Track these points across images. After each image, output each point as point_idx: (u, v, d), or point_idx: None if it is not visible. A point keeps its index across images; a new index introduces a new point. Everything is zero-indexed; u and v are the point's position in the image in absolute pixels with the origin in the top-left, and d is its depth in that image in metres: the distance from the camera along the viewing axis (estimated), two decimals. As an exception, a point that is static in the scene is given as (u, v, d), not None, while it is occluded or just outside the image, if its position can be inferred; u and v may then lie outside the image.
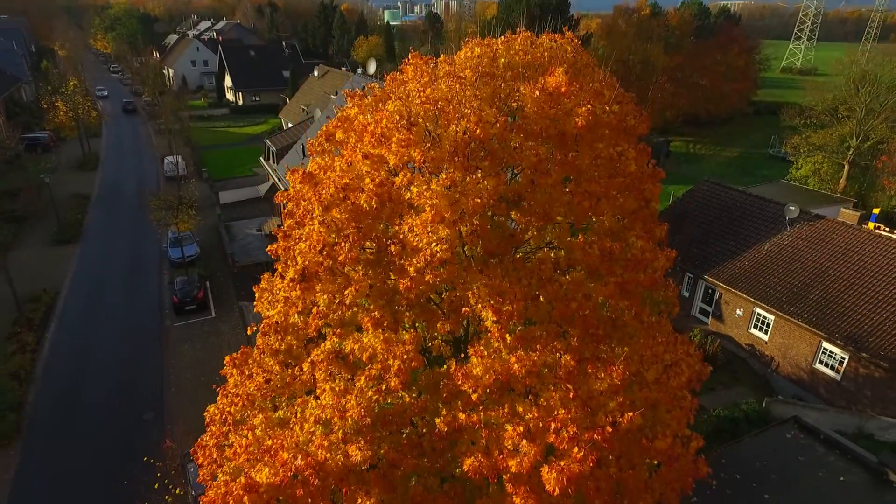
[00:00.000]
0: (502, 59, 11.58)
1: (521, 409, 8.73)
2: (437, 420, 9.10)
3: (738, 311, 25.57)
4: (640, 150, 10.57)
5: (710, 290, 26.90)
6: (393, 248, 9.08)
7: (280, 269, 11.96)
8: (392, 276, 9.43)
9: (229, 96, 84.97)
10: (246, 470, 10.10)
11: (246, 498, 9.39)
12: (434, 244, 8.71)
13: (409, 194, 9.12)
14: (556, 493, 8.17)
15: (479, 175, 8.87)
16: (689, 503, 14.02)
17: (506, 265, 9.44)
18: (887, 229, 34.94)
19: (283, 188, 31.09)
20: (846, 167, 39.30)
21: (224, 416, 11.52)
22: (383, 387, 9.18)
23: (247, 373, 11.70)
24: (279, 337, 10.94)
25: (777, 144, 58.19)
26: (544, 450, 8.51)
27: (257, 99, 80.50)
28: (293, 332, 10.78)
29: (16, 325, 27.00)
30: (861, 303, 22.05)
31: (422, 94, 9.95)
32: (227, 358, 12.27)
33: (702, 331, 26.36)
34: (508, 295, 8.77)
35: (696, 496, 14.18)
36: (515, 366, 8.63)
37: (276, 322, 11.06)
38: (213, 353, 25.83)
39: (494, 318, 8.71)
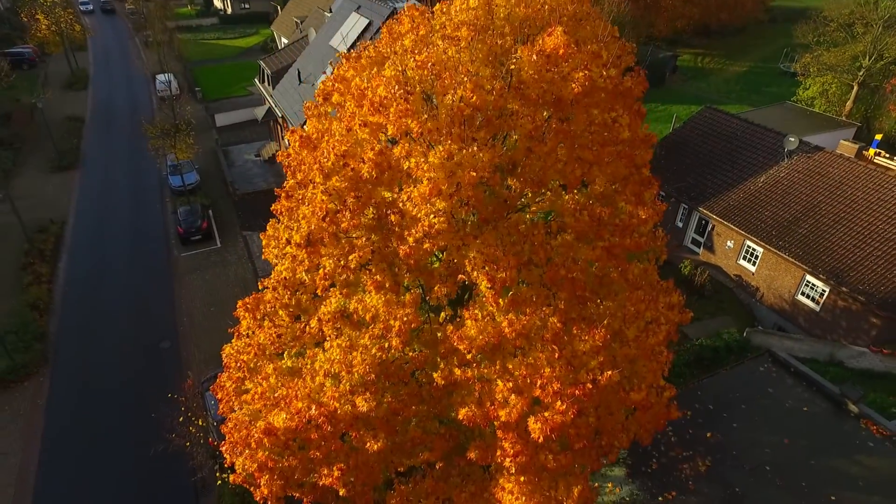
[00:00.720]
0: (501, 11, 11.36)
1: (510, 366, 9.60)
2: (435, 374, 10.01)
3: (728, 243, 26.27)
4: (634, 114, 10.68)
5: (703, 222, 27.44)
6: (393, 217, 9.52)
7: (284, 222, 12.45)
8: (392, 242, 9.95)
9: (217, 3, 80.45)
10: (263, 414, 11.22)
11: (266, 440, 10.57)
12: (432, 216, 9.15)
13: (407, 164, 9.42)
14: (540, 440, 9.23)
15: (475, 148, 9.12)
16: (663, 432, 15.45)
17: (500, 230, 9.93)
18: (888, 156, 34.89)
19: (279, 114, 30.67)
20: (855, 88, 38.35)
21: (239, 363, 12.49)
22: (386, 344, 10.01)
23: (258, 317, 12.53)
24: (288, 291, 11.65)
25: (787, 60, 56.08)
26: (531, 402, 9.47)
27: (247, 6, 76.36)
28: (301, 288, 11.47)
29: (28, 256, 27.81)
30: (847, 237, 22.68)
31: (417, 57, 9.91)
32: (240, 303, 13.02)
33: (692, 262, 27.22)
34: (502, 263, 9.34)
35: (671, 425, 15.60)
36: (507, 329, 9.39)
37: (285, 278, 11.69)
38: (221, 282, 26.90)
39: (489, 285, 9.35)
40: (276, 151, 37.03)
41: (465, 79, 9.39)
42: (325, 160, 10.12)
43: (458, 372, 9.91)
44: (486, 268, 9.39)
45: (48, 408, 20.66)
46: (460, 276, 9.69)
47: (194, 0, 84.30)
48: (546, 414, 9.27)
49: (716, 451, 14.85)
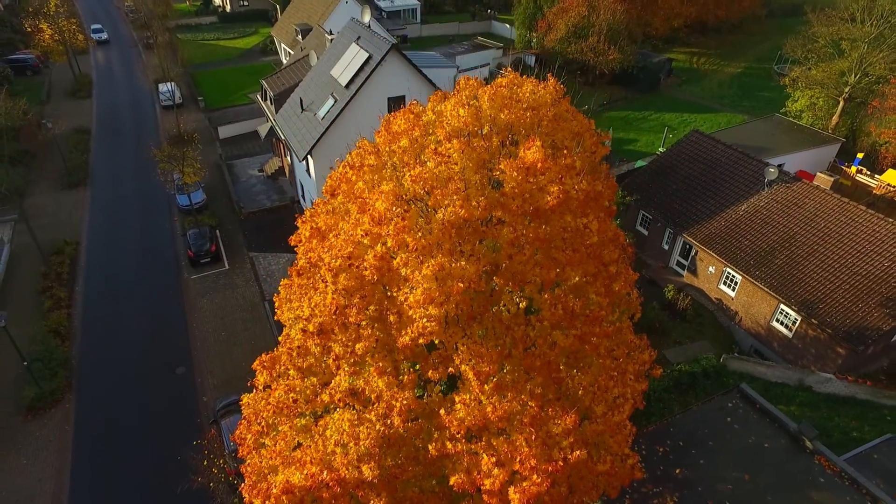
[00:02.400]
0: (487, 111, 12.70)
1: (494, 443, 11.20)
2: (430, 446, 11.61)
3: (710, 269, 27.78)
4: (605, 215, 12.11)
5: (687, 246, 28.90)
6: (392, 318, 11.03)
7: (297, 292, 13.92)
8: (393, 332, 11.46)
9: (217, 0, 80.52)
10: (280, 469, 12.86)
11: (284, 497, 12.23)
12: (425, 319, 10.65)
13: (404, 271, 10.88)
14: (519, 507, 10.87)
15: (463, 262, 10.57)
16: (637, 467, 17.13)
17: (485, 322, 11.44)
18: (869, 173, 36.27)
19: (282, 136, 31.83)
20: (841, 103, 39.45)
21: (259, 419, 14.08)
22: (388, 421, 11.58)
23: (274, 375, 14.12)
24: (302, 359, 13.19)
25: (781, 62, 56.87)
26: (511, 473, 11.08)
27: (246, 4, 76.55)
28: (312, 359, 13.01)
29: (46, 280, 29.31)
30: (819, 269, 24.18)
31: (412, 172, 11.30)
32: (257, 361, 14.65)
33: (676, 285, 28.75)
34: (486, 357, 10.88)
35: (644, 462, 17.30)
36: (491, 413, 10.96)
37: (299, 346, 13.23)
38: (231, 306, 28.44)
39: (474, 376, 10.90)
40: (279, 167, 38.35)
41: (455, 197, 10.80)
42: (334, 261, 11.58)
43: (449, 445, 11.50)
44: (473, 361, 10.93)
45: (76, 434, 22.35)
46: (450, 368, 11.23)
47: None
48: (524, 484, 10.90)
49: (683, 487, 16.57)
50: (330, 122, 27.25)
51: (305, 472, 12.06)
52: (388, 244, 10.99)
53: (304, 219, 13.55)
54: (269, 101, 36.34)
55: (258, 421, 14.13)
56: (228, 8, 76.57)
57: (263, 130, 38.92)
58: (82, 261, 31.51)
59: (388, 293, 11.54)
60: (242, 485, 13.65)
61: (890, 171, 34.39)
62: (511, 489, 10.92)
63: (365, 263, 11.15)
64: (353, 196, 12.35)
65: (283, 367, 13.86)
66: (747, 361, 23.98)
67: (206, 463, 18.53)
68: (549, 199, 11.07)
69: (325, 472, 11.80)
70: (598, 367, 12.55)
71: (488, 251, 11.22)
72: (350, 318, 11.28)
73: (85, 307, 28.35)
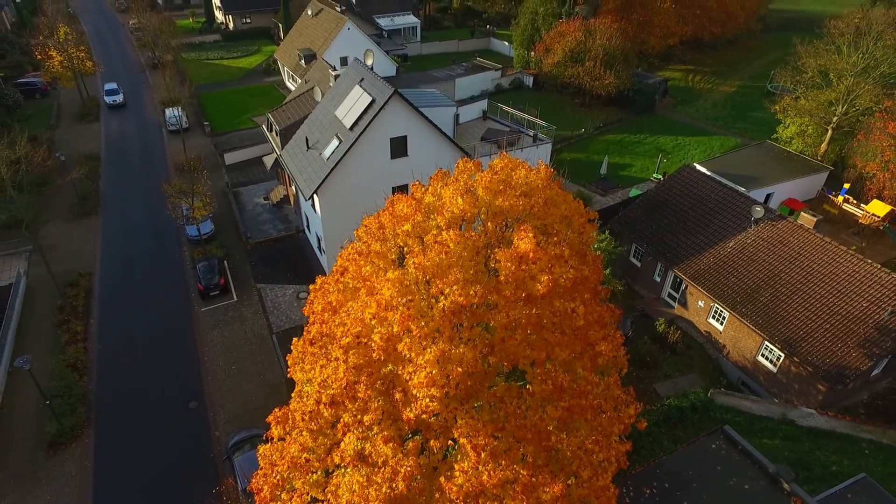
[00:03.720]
0: (483, 197, 13.92)
1: (490, 506, 12.42)
2: (432, 506, 12.83)
3: (699, 303, 28.99)
4: (588, 302, 13.33)
5: (678, 279, 30.11)
6: (398, 395, 12.26)
7: (309, 360, 15.14)
8: (398, 405, 12.68)
9: (218, 16, 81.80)
10: (296, 524, 14.07)
11: (300, 553, 13.45)
12: (427, 399, 11.87)
13: (408, 355, 12.10)
14: (513, 564, 12.09)
15: (462, 348, 11.79)
16: (625, 508, 18.35)
17: (481, 398, 12.67)
18: (855, 202, 37.49)
19: (288, 171, 33.03)
20: (829, 132, 40.64)
21: (275, 472, 15.28)
22: (394, 485, 12.79)
23: (287, 429, 15.33)
24: (314, 423, 14.39)
25: (774, 83, 58.06)
26: (506, 534, 12.30)
27: (248, 21, 77.85)
28: (325, 423, 14.22)
29: (62, 313, 30.54)
30: (802, 308, 25.38)
31: (415, 260, 12.52)
32: (271, 417, 15.85)
33: (666, 318, 29.95)
34: (482, 432, 12.10)
35: (631, 503, 18.51)
36: (486, 480, 12.18)
37: (311, 411, 14.44)
38: (240, 339, 29.66)
39: (471, 448, 12.11)
40: (284, 195, 39.56)
41: (455, 287, 12.02)
42: (344, 339, 12.81)
43: (449, 507, 12.72)
44: (470, 434, 12.15)
45: (96, 468, 23.56)
46: (449, 441, 12.45)
47: (195, 13, 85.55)
48: (517, 545, 12.11)
49: (667, 528, 17.78)
50: (335, 163, 28.47)
51: (319, 528, 13.28)
52: (395, 330, 12.20)
53: (315, 291, 14.75)
54: (274, 133, 37.57)
55: (273, 473, 15.34)
56: (231, 25, 77.84)
57: (269, 161, 40.16)
58: (96, 292, 32.72)
59: (394, 371, 12.76)
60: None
61: (875, 201, 35.59)
62: (505, 549, 12.14)
63: (373, 344, 12.37)
64: (360, 278, 13.58)
65: (295, 425, 15.07)
66: (733, 396, 25.17)
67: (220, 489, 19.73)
68: (539, 287, 12.29)
69: (337, 531, 13.01)
70: (586, 430, 13.77)
71: (483, 333, 12.44)
72: (359, 394, 12.50)
73: (100, 341, 29.56)
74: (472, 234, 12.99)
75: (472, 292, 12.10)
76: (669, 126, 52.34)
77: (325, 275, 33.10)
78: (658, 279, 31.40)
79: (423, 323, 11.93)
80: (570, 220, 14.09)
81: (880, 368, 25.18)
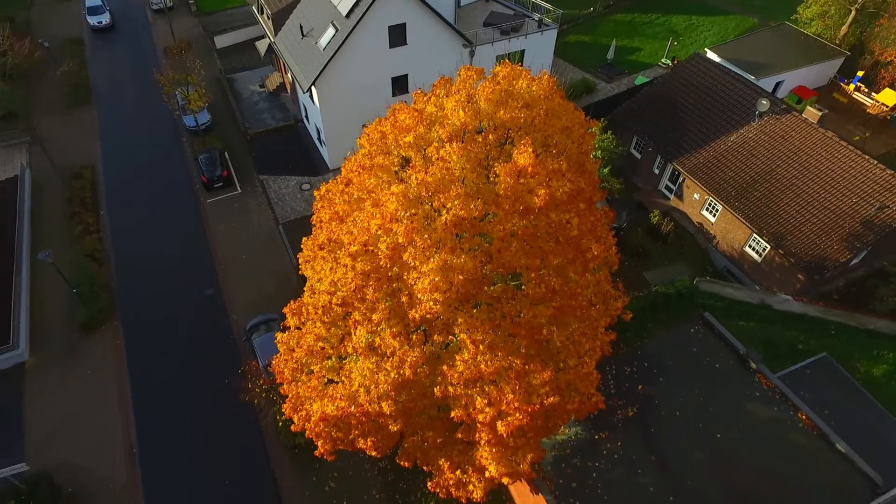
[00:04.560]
0: (485, 109, 14.09)
1: (487, 389, 14.17)
2: (436, 389, 14.62)
3: (695, 196, 29.67)
4: (583, 213, 14.00)
5: (676, 173, 30.49)
6: (404, 299, 13.45)
7: (319, 260, 16.24)
8: (404, 307, 13.96)
9: None
10: (315, 399, 16.07)
11: (321, 423, 15.55)
12: (431, 303, 13.08)
13: (413, 263, 13.09)
14: (505, 435, 14.11)
15: (463, 258, 12.74)
16: (607, 385, 20.58)
17: (479, 298, 13.89)
18: (867, 91, 36.64)
19: (282, 58, 31.93)
20: (853, 12, 38.43)
21: (295, 358, 17.00)
22: (401, 371, 14.46)
23: (302, 319, 16.90)
24: (327, 316, 15.82)
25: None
26: (499, 412, 14.17)
27: None
28: (337, 317, 15.65)
29: (71, 205, 31.30)
30: (793, 203, 26.12)
31: (417, 176, 13.05)
32: (286, 308, 17.37)
33: (662, 208, 30.77)
34: (480, 329, 13.48)
35: (613, 380, 20.74)
36: (484, 369, 13.79)
37: (324, 306, 15.80)
38: (247, 230, 30.75)
39: (470, 343, 13.57)
40: (280, 83, 38.51)
41: (457, 202, 12.69)
42: (352, 247, 13.74)
43: (451, 389, 14.50)
44: (469, 331, 13.54)
45: (127, 347, 25.83)
46: (450, 336, 13.86)
47: None
48: (509, 419, 14.02)
49: (643, 401, 20.13)
50: (332, 53, 27.52)
51: (336, 405, 15.23)
52: (400, 240, 13.05)
53: (321, 198, 15.38)
54: (265, 16, 35.61)
55: (293, 358, 17.13)
56: None
57: (262, 47, 38.43)
58: (101, 185, 33.23)
59: (400, 275, 13.83)
60: (283, 404, 17.08)
61: (887, 90, 34.73)
62: (499, 423, 14.08)
63: (379, 252, 13.31)
64: (365, 190, 14.15)
65: (309, 317, 16.55)
66: (717, 283, 26.80)
67: (249, 386, 22.04)
68: (536, 200, 12.93)
69: (353, 406, 14.94)
70: (575, 324, 15.21)
71: (482, 243, 13.32)
72: (368, 296, 13.70)
73: (113, 233, 30.66)
74: (473, 145, 13.33)
75: (472, 206, 12.76)
76: (683, 4, 49.00)
77: (327, 166, 33.47)
78: (657, 171, 31.75)
79: (426, 235, 12.75)
80: (570, 130, 14.32)
81: (859, 259, 26.53)
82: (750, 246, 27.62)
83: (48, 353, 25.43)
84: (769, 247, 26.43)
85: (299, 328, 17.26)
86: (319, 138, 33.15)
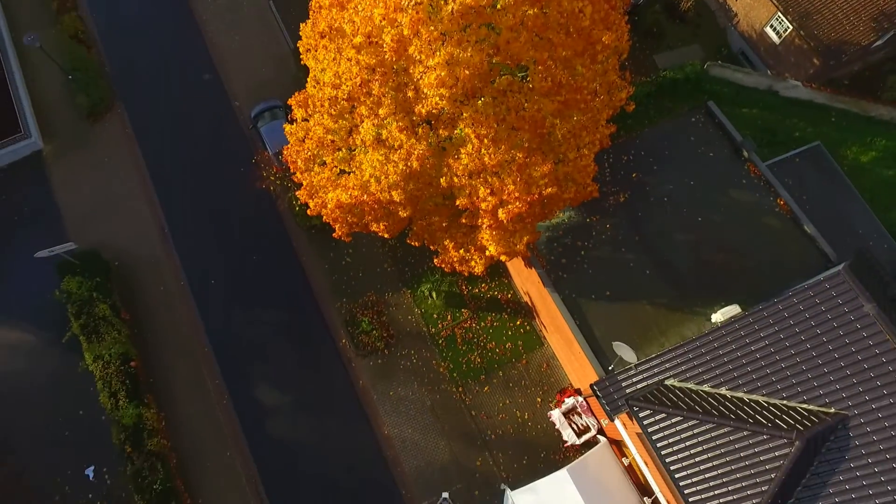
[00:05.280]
0: None
1: (490, 180, 15.19)
2: (441, 180, 15.66)
3: (724, -36, 26.83)
4: (596, 1, 13.09)
5: (708, -65, 27.05)
6: (410, 93, 13.56)
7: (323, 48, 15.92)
8: (410, 102, 14.16)
9: None
10: (329, 188, 17.34)
11: (337, 210, 17.04)
12: (437, 98, 13.26)
13: (418, 57, 12.89)
14: (505, 221, 15.64)
15: (469, 52, 12.50)
16: (603, 174, 21.60)
17: (485, 93, 13.99)
18: None
19: None
20: None
21: (306, 147, 17.71)
22: (409, 163, 15.31)
23: (309, 112, 17.33)
24: (334, 109, 16.11)
25: None
26: (501, 201, 15.43)
27: None
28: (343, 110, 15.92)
29: (41, -24, 28.49)
30: (829, -25, 23.86)
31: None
32: (292, 100, 17.71)
33: (685, -19, 28.09)
34: (484, 124, 13.90)
35: (609, 168, 21.72)
36: (487, 161, 14.62)
37: (330, 99, 15.96)
38: (236, 7, 28.55)
39: (475, 137, 14.14)
40: None
41: (463, -12, 11.97)
42: (355, 38, 13.36)
43: (455, 180, 15.55)
44: (474, 125, 13.99)
45: (136, 134, 26.32)
46: (455, 130, 14.31)
47: None
48: (509, 207, 15.38)
49: (635, 188, 21.38)
50: None
51: (350, 194, 16.51)
52: (405, 32, 12.63)
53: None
54: None
55: (304, 149, 17.89)
56: None
57: None
58: (66, -49, 29.66)
59: (406, 69, 13.69)
60: (298, 191, 18.51)
61: None
62: (500, 210, 15.47)
63: (385, 46, 13.01)
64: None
65: (316, 109, 16.85)
66: (727, 68, 26.04)
67: (264, 174, 23.06)
68: (548, -16, 12.14)
69: (365, 195, 16.24)
70: (578, 116, 15.54)
71: (490, 34, 12.90)
72: (374, 91, 13.80)
73: (92, 11, 28.50)
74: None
75: (479, -8, 12.05)
76: None
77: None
78: (687, -68, 28.08)
79: (432, 27, 12.30)
80: None
81: (884, 40, 25.29)
82: (771, 26, 26.05)
83: (60, 142, 26.02)
84: (791, 27, 24.97)
85: (306, 120, 17.66)
86: None
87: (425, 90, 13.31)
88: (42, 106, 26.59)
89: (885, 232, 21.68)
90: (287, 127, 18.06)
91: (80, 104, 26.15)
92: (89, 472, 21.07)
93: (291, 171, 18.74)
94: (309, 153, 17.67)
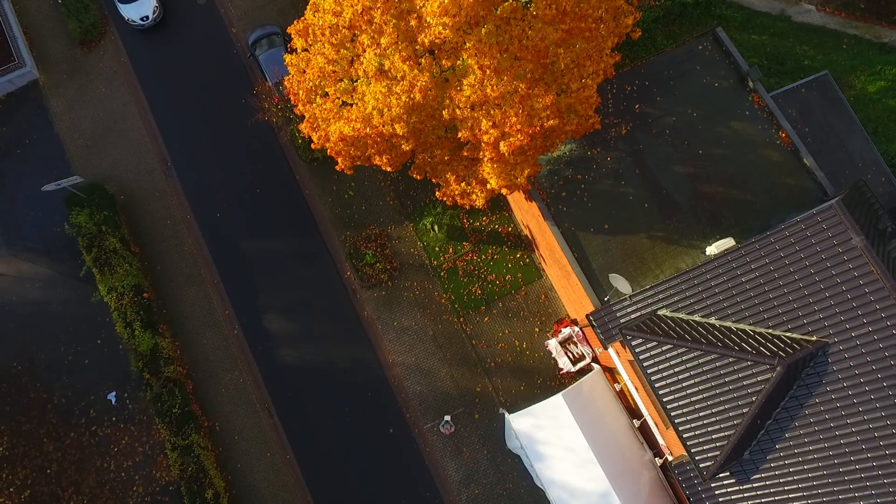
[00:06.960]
0: None
1: (492, 112, 15.17)
2: (444, 112, 15.64)
3: None
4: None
5: None
6: (413, 22, 13.33)
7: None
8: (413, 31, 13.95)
9: None
10: (332, 120, 17.33)
11: (340, 143, 17.11)
12: (440, 27, 13.07)
13: (421, -17, 12.60)
14: (506, 154, 15.76)
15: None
16: (606, 105, 21.36)
17: (488, 20, 13.75)
18: None
19: None
20: None
21: (307, 79, 17.47)
22: (412, 95, 15.22)
23: (309, 41, 17.06)
24: (335, 37, 15.84)
25: None
26: (503, 132, 15.47)
27: None
28: (343, 37, 15.66)
29: None
30: None
31: None
32: (291, 28, 17.35)
33: None
34: (488, 54, 13.75)
35: (612, 99, 21.46)
36: (490, 93, 14.57)
37: (331, 25, 15.65)
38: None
39: (478, 68, 14.03)
40: None
41: None
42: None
43: (458, 112, 15.53)
44: (477, 56, 13.85)
45: (133, 64, 25.77)
46: (457, 61, 14.17)
47: None
48: (511, 139, 15.45)
49: (637, 119, 21.22)
50: None
51: (352, 126, 16.53)
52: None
53: None
54: None
55: (305, 80, 17.69)
56: None
57: None
58: None
59: (408, -3, 13.40)
60: (300, 123, 18.48)
61: None
62: (501, 143, 15.55)
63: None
64: None
65: (317, 39, 16.57)
66: (739, -7, 25.11)
67: (266, 106, 22.79)
68: None
69: (368, 128, 16.27)
70: (582, 45, 15.31)
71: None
72: (376, 19, 13.55)
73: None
74: None
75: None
76: None
77: None
78: None
79: (434, -49, 11.95)
80: None
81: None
82: (789, -55, 24.82)
83: (56, 71, 25.55)
84: (810, -53, 23.82)
85: (306, 50, 17.37)
86: None
87: (428, 18, 13.11)
88: (33, 34, 25.89)
89: (884, 165, 21.76)
90: (287, 57, 17.82)
91: (72, 30, 25.43)
92: (111, 396, 22.36)
93: (293, 102, 18.63)
94: (310, 83, 17.50)
